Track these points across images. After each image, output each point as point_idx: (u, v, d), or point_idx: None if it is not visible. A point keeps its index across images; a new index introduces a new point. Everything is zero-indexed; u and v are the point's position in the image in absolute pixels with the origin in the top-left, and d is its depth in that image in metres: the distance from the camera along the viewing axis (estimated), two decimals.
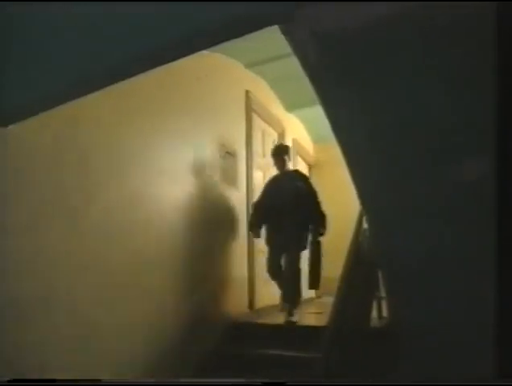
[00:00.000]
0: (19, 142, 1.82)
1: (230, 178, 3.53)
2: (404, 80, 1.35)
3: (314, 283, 3.56)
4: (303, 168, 5.82)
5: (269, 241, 3.62)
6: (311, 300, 5.16)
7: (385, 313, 2.98)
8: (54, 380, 1.07)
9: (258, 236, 3.62)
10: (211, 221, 3.19)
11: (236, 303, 3.46)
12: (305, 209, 3.44)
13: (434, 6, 1.01)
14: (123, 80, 1.57)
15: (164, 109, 2.79)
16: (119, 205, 2.34)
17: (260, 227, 3.60)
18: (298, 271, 3.44)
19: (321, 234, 3.55)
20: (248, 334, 3.08)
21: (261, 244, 3.97)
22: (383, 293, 2.89)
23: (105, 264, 2.21)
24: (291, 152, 3.87)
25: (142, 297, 2.43)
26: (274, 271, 3.54)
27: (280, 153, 3.73)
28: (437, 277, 2.03)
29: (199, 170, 3.16)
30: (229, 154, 3.58)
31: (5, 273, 1.70)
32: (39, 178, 1.89)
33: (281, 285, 3.58)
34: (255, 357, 2.87)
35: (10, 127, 1.76)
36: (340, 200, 5.64)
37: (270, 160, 4.59)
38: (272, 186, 3.70)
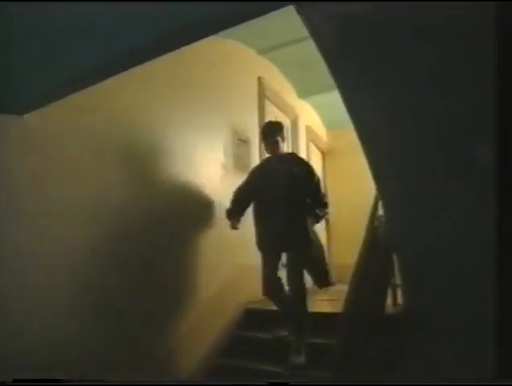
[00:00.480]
0: (35, 131, 1.84)
1: (243, 165, 3.52)
2: (423, 63, 1.32)
3: (321, 279, 3.11)
4: (316, 155, 5.79)
5: (260, 243, 2.93)
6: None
7: (400, 300, 2.96)
8: (54, 380, 1.08)
9: (235, 226, 2.96)
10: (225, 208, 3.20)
11: (250, 290, 3.47)
12: (303, 201, 2.87)
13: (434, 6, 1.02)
14: (135, 66, 1.57)
15: (176, 97, 2.78)
16: (137, 193, 2.36)
17: (239, 216, 2.98)
18: (303, 289, 2.80)
19: (318, 218, 2.96)
20: (262, 320, 3.09)
21: None
22: (398, 281, 2.87)
23: (122, 253, 2.24)
24: (285, 131, 3.15)
25: (161, 284, 2.46)
26: (272, 288, 2.82)
27: (271, 133, 2.99)
28: (452, 265, 2.01)
29: (212, 158, 3.16)
30: (241, 141, 3.56)
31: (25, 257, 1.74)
32: (54, 167, 1.91)
33: (281, 308, 2.89)
34: (269, 342, 2.89)
35: (26, 116, 1.79)
36: (355, 187, 5.61)
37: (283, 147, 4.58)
38: (261, 171, 3.05)
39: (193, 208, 2.87)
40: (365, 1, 1.18)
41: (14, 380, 1.15)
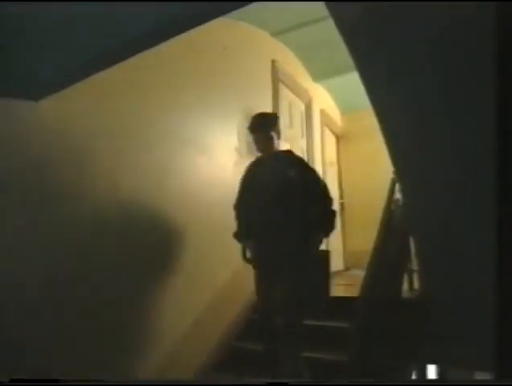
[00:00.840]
0: (50, 116, 1.84)
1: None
2: (442, 43, 1.28)
3: (316, 304, 2.41)
4: (331, 140, 5.72)
5: (254, 262, 2.41)
6: (339, 273, 5.16)
7: (416, 285, 2.94)
8: (54, 380, 1.08)
9: (248, 250, 2.41)
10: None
11: None
12: (302, 209, 2.28)
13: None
14: (146, 49, 1.56)
15: (190, 82, 2.76)
16: (151, 177, 2.37)
17: (249, 238, 2.40)
18: (295, 327, 2.20)
19: (327, 231, 2.37)
20: None
21: None
22: (415, 266, 2.85)
23: (139, 236, 2.25)
24: (280, 125, 2.55)
25: (173, 270, 2.48)
26: (264, 321, 2.35)
27: (264, 126, 2.42)
28: (468, 250, 1.97)
29: (226, 143, 3.14)
30: None
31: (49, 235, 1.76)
32: (69, 152, 1.92)
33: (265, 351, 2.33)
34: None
35: (41, 101, 1.79)
36: (369, 171, 5.55)
37: (297, 131, 4.53)
38: (253, 176, 2.49)
39: (206, 195, 2.86)
40: (370, 0, 1.19)
41: (11, 380, 1.14)
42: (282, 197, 2.25)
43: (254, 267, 2.37)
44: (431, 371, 3.76)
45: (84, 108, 2.00)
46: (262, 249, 2.31)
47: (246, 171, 2.55)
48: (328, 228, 2.34)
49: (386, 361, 2.07)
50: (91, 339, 1.90)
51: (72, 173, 1.92)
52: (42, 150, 1.80)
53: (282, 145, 3.96)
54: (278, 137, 2.45)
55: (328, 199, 2.35)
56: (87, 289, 1.93)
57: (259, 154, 2.52)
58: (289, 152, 2.56)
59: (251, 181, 2.45)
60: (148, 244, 2.31)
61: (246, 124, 3.34)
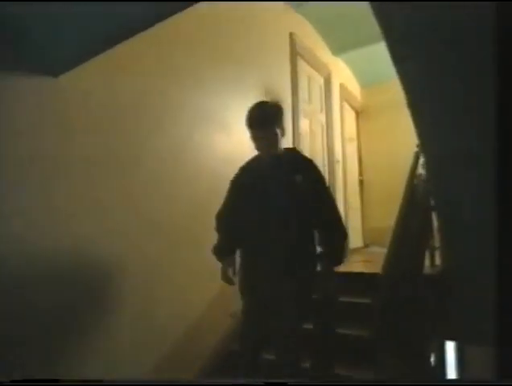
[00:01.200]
0: (70, 91, 1.84)
1: None
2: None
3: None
4: (350, 115, 5.61)
5: (245, 285, 1.98)
6: (358, 249, 5.14)
7: (437, 262, 2.90)
8: (54, 380, 1.09)
9: (231, 268, 2.00)
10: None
11: None
12: (308, 223, 1.88)
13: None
14: (160, 22, 1.53)
15: (208, 57, 2.71)
16: (169, 150, 2.36)
17: (232, 253, 2.02)
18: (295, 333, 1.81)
19: (338, 260, 1.88)
20: None
21: None
22: (437, 243, 2.81)
23: (157, 213, 2.27)
24: (283, 118, 1.99)
25: (193, 245, 2.50)
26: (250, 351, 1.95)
27: (266, 121, 1.89)
28: (493, 226, 1.92)
29: (243, 119, 3.10)
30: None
31: (58, 215, 1.79)
32: (90, 127, 1.93)
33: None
34: None
35: (61, 76, 1.79)
36: (389, 147, 5.45)
37: (316, 106, 4.45)
38: (250, 180, 2.00)
39: (224, 172, 2.84)
40: (368, 0, 1.16)
41: (12, 381, 1.15)
42: (288, 209, 1.83)
43: (242, 290, 1.97)
44: (450, 348, 3.76)
45: (103, 84, 1.99)
46: (256, 271, 1.89)
47: (241, 173, 2.07)
48: (340, 258, 1.87)
49: (408, 337, 2.07)
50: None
51: (93, 146, 1.93)
52: (62, 125, 1.80)
53: (301, 122, 3.94)
54: (283, 134, 1.95)
55: (337, 212, 1.92)
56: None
57: (259, 153, 1.99)
58: (295, 151, 2.10)
59: (247, 186, 1.97)
60: (164, 220, 2.32)
61: (264, 99, 3.29)
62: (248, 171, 2.05)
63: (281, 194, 1.85)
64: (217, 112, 2.80)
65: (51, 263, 1.72)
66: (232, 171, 2.86)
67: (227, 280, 1.98)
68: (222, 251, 2.01)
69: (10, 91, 1.61)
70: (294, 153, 2.03)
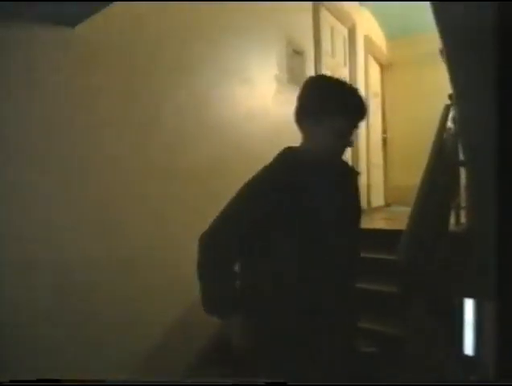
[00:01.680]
0: (86, 42, 1.79)
1: (298, 78, 3.31)
2: None
3: None
4: (375, 69, 5.39)
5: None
6: (380, 208, 5.09)
7: (463, 220, 2.84)
8: (54, 380, 1.09)
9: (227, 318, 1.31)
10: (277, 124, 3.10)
11: None
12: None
13: None
14: None
15: (228, 7, 2.58)
16: (189, 104, 2.31)
17: (231, 266, 1.31)
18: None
19: None
20: None
21: None
22: (463, 202, 2.73)
23: (177, 167, 2.24)
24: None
25: (210, 199, 2.48)
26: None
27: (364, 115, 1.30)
28: None
29: (265, 71, 3.00)
30: (296, 53, 3.33)
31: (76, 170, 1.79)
32: (106, 79, 1.88)
33: None
34: None
35: (77, 27, 1.73)
36: (415, 103, 5.25)
37: (339, 59, 4.28)
38: (304, 189, 1.25)
39: (246, 126, 2.78)
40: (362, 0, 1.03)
41: (11, 381, 1.12)
42: (350, 222, 1.39)
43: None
44: (469, 306, 3.75)
45: (120, 33, 1.92)
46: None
47: (288, 175, 1.26)
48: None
49: (434, 295, 2.06)
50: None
51: (111, 98, 1.89)
52: (79, 75, 1.76)
53: (343, 71, 3.72)
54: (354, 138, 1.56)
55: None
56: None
57: (318, 156, 1.28)
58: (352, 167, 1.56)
59: (300, 195, 1.23)
60: (182, 177, 2.29)
61: (287, 50, 3.15)
62: (299, 175, 1.26)
63: (348, 213, 1.37)
64: (239, 65, 2.70)
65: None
66: (254, 125, 2.81)
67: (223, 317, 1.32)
68: (227, 302, 1.28)
69: (23, 41, 1.57)
70: (353, 169, 1.51)
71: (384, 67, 5.71)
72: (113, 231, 1.89)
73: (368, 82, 4.94)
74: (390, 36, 5.63)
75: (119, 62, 1.93)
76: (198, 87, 2.37)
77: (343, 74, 4.29)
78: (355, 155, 4.42)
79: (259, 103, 2.89)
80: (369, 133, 4.90)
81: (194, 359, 2.30)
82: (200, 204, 2.38)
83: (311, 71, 3.54)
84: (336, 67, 4.09)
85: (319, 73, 3.66)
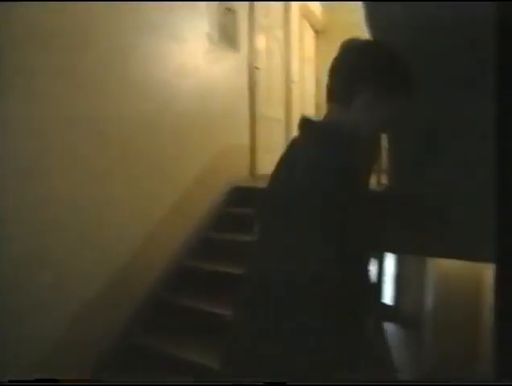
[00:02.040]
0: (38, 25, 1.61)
1: (230, 37, 3.25)
2: None
3: None
4: (309, 34, 5.42)
5: None
6: None
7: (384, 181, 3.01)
8: (54, 380, 1.08)
9: None
10: (207, 82, 3.05)
11: (237, 169, 3.49)
12: None
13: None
14: None
15: None
16: (114, 66, 2.20)
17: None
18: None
19: None
20: (248, 197, 3.16)
21: (264, 111, 3.86)
22: (384, 165, 2.88)
23: (104, 127, 2.16)
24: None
25: (139, 156, 2.43)
26: None
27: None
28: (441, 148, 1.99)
29: (196, 28, 2.90)
30: (228, 10, 3.25)
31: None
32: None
33: None
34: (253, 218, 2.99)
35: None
36: None
37: (274, 20, 4.24)
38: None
39: (177, 85, 2.71)
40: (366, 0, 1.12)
41: (11, 381, 1.16)
42: None
43: None
44: (390, 262, 4.04)
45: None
46: None
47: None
48: None
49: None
50: None
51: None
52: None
53: (257, 37, 3.73)
54: None
55: None
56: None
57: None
58: None
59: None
60: (121, 136, 2.22)
61: (219, 8, 3.06)
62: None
63: None
64: (169, 21, 2.59)
65: None
66: (185, 83, 2.74)
67: None
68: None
69: None
70: None
71: (319, 33, 5.75)
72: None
73: (302, 47, 4.97)
74: (326, 2, 5.65)
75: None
76: (126, 43, 2.25)
77: (277, 35, 4.28)
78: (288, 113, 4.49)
79: (190, 60, 2.81)
80: (302, 98, 4.98)
81: None
82: (130, 162, 2.33)
83: (243, 31, 3.48)
84: (269, 29, 4.07)
85: (252, 34, 3.62)
